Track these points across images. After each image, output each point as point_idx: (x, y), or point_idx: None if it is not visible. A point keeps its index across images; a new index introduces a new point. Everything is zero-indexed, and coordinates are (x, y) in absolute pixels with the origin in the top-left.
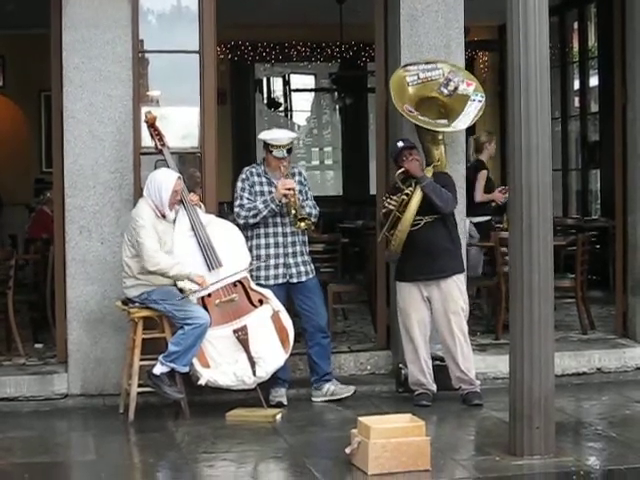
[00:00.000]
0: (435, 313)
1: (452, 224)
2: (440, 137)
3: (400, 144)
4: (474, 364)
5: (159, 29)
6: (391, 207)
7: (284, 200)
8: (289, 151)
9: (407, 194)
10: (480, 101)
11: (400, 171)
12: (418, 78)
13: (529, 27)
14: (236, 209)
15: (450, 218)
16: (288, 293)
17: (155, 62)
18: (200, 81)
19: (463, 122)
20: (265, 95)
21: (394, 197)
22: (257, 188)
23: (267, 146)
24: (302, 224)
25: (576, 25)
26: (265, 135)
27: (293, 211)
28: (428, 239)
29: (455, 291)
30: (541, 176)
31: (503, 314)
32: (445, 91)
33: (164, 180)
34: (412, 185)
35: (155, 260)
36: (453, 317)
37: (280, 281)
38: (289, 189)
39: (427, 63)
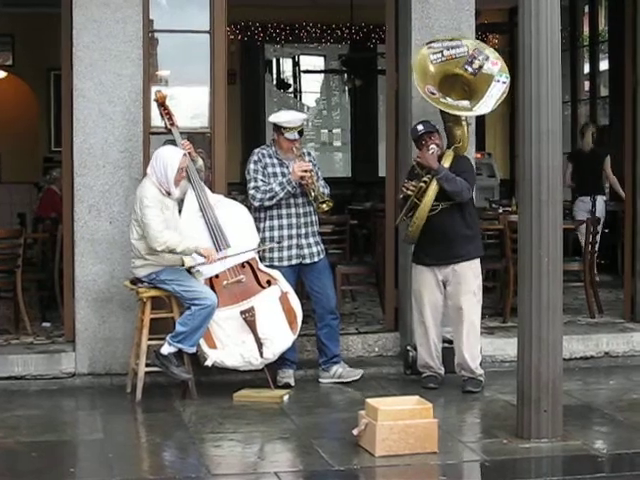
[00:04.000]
0: (448, 296)
1: (470, 210)
2: (463, 118)
3: (420, 128)
4: (481, 348)
5: (170, 9)
6: (409, 192)
7: (302, 182)
8: (300, 133)
9: (425, 181)
10: (504, 82)
11: (415, 162)
12: (442, 55)
13: (540, 10)
14: (251, 191)
15: (467, 204)
16: (299, 274)
17: (165, 42)
18: (210, 61)
19: (485, 106)
20: (275, 76)
21: (412, 183)
22: (269, 170)
23: (278, 128)
24: (324, 206)
25: (587, 9)
26: (276, 117)
27: (313, 193)
28: (444, 225)
29: (469, 275)
30: (551, 160)
31: (511, 297)
32: (470, 69)
33: (170, 157)
34: (430, 173)
35: (162, 239)
36: (464, 301)
37: (293, 262)
38: (305, 171)
39: (452, 40)
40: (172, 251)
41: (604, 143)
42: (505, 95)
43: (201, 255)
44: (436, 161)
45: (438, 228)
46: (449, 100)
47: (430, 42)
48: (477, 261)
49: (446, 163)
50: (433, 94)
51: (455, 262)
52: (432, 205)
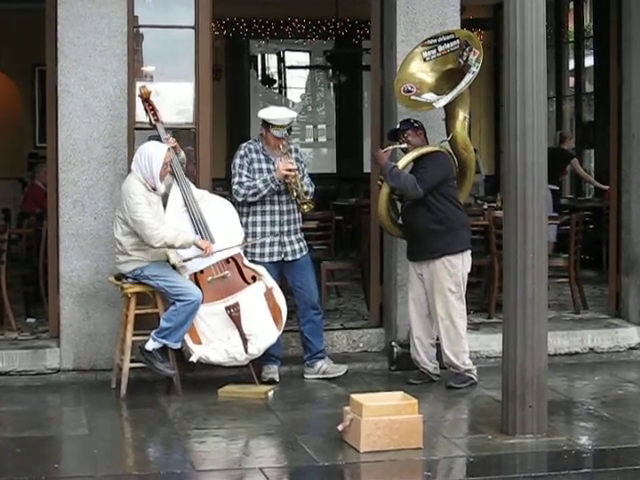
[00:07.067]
0: (427, 293)
1: (438, 205)
2: (457, 111)
3: (397, 126)
4: (467, 344)
5: (154, 4)
6: (376, 187)
7: (285, 180)
8: (289, 130)
9: (380, 179)
10: (474, 72)
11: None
12: (437, 51)
13: (525, 6)
14: (235, 186)
15: (432, 199)
16: (281, 270)
17: (150, 37)
18: (195, 57)
19: (445, 99)
20: (260, 72)
21: (380, 177)
22: (255, 165)
23: (267, 124)
24: (304, 207)
25: (572, 5)
26: (266, 114)
27: (295, 193)
28: (412, 220)
29: (441, 272)
30: (536, 156)
31: (496, 293)
32: (461, 61)
33: (154, 152)
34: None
35: (159, 236)
36: (438, 299)
37: (275, 259)
38: (290, 170)
39: (446, 34)
40: (170, 246)
41: (588, 139)
42: (468, 85)
43: (199, 247)
44: (384, 158)
45: (408, 224)
46: (421, 97)
47: (426, 40)
48: (453, 257)
49: (404, 160)
50: (409, 92)
51: (427, 259)
52: (403, 201)
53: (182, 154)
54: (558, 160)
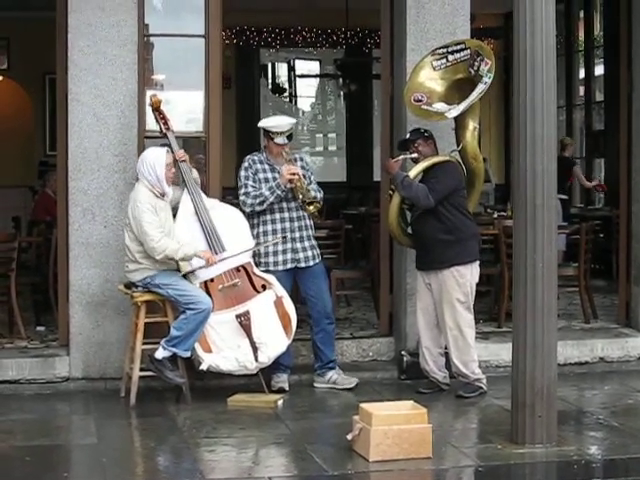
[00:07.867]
0: (435, 303)
1: (448, 215)
2: (467, 120)
3: (407, 136)
4: (476, 353)
5: (165, 13)
6: (386, 197)
7: (290, 185)
8: (289, 137)
9: (392, 188)
10: (486, 82)
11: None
12: (447, 61)
13: (535, 15)
14: (241, 197)
15: (442, 209)
16: (294, 278)
17: (160, 46)
18: (205, 66)
19: (457, 109)
20: (270, 80)
21: (392, 186)
22: (260, 175)
23: (267, 133)
24: (311, 207)
25: (582, 14)
26: (265, 123)
27: (300, 196)
28: (421, 230)
29: (450, 282)
30: (546, 164)
31: (506, 302)
32: (472, 71)
33: (155, 157)
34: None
35: (160, 249)
36: (446, 309)
37: (288, 266)
38: (294, 174)
39: (457, 44)
40: (171, 259)
41: (598, 148)
42: (480, 96)
43: (201, 258)
44: (395, 167)
45: (418, 233)
46: (432, 107)
47: (436, 49)
48: (462, 268)
49: (415, 169)
50: (420, 101)
51: (435, 268)
52: (413, 210)
53: (195, 173)
54: (562, 168)
